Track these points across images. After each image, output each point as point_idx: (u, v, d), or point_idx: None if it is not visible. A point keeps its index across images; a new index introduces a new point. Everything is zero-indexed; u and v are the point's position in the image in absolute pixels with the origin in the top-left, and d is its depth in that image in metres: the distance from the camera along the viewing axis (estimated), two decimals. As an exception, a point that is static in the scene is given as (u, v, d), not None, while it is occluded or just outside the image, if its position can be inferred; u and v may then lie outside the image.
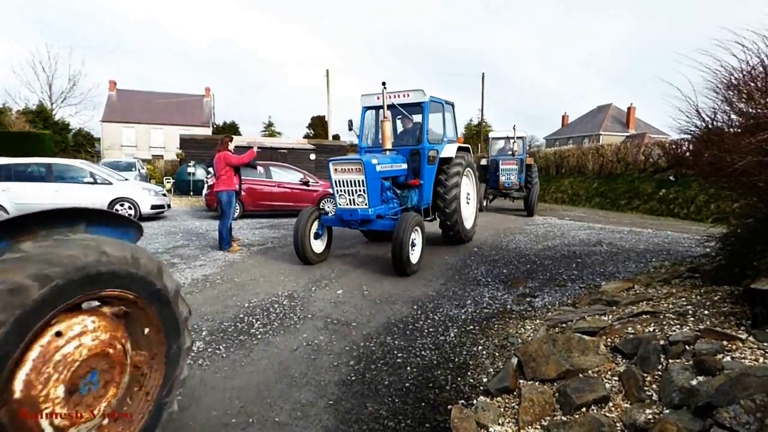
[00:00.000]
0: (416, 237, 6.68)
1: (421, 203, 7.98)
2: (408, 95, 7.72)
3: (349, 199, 6.83)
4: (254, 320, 4.79)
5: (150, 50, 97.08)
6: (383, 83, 7.12)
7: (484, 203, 16.58)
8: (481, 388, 3.35)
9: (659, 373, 2.68)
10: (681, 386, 2.37)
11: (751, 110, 3.93)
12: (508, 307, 5.30)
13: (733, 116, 4.37)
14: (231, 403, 3.17)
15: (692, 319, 3.27)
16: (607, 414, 2.53)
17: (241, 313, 5.01)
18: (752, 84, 3.85)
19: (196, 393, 3.29)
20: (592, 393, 2.69)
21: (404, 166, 7.79)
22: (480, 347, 4.14)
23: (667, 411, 2.31)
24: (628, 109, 53.30)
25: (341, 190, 6.86)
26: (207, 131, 47.14)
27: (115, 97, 50.00)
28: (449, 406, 3.07)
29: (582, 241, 9.62)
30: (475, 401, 3.06)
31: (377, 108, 7.81)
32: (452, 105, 8.91)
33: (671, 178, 17.15)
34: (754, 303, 2.99)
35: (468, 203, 9.13)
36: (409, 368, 3.74)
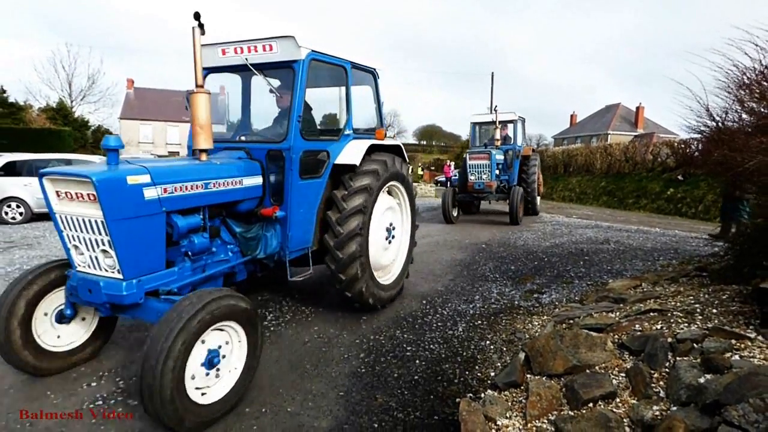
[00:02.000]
0: (231, 351, 3.10)
1: (288, 249, 4.19)
2: (269, 47, 4.12)
3: (90, 258, 3.20)
4: (267, 313, 4.86)
5: (165, 49, 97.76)
6: (196, 16, 3.59)
7: (455, 214, 12.77)
8: (489, 382, 3.40)
9: (667, 370, 2.71)
10: (689, 384, 2.40)
11: (762, 110, 3.93)
12: (516, 302, 5.34)
13: (744, 116, 4.37)
14: (245, 393, 3.23)
15: (700, 317, 3.29)
16: (614, 410, 2.56)
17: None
18: (765, 83, 3.85)
19: (210, 382, 3.36)
20: (600, 389, 2.72)
21: (255, 180, 4.08)
22: (488, 342, 4.19)
23: (675, 408, 2.34)
24: (637, 108, 52.83)
25: (73, 238, 3.23)
26: (222, 128, 47.66)
27: (132, 94, 50.85)
28: (457, 399, 3.12)
29: (589, 239, 9.62)
30: (483, 395, 3.10)
31: (227, 70, 4.56)
32: (372, 73, 5.22)
33: (679, 177, 17.06)
34: (763, 302, 3.01)
35: (390, 243, 5.22)
36: (417, 361, 3.80)
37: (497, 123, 12.65)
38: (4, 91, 30.66)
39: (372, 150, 4.80)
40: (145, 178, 3.19)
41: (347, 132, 4.72)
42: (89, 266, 3.23)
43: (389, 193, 5.27)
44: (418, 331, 4.44)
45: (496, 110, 12.75)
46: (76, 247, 3.24)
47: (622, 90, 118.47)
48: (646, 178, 19.30)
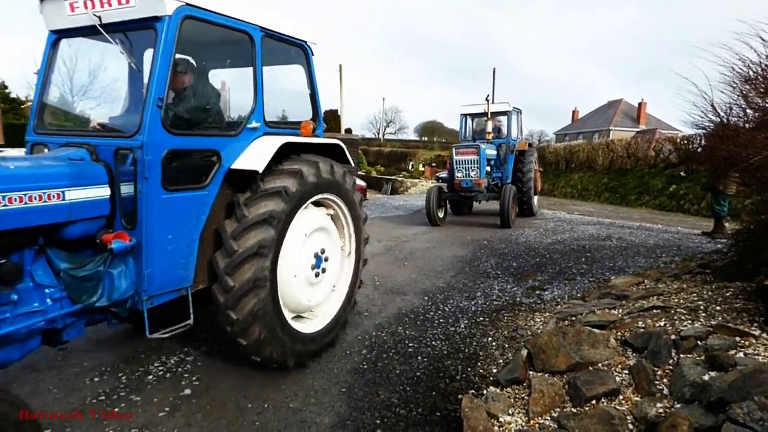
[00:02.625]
0: None
1: (145, 293, 2.83)
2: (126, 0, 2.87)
3: None
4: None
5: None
6: None
7: (441, 215, 11.31)
8: (491, 378, 3.40)
9: (670, 367, 2.71)
10: (693, 381, 2.39)
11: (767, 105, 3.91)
12: (518, 299, 5.33)
13: (749, 111, 4.34)
14: (247, 389, 3.24)
15: (704, 314, 3.28)
16: (618, 407, 2.56)
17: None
18: (770, 79, 3.83)
19: (214, 377, 3.37)
20: (603, 386, 2.72)
21: (94, 192, 2.77)
22: (490, 339, 4.19)
23: (679, 405, 2.34)
24: (639, 104, 52.62)
25: None
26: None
27: (132, 90, 50.87)
28: (460, 396, 3.11)
29: (591, 236, 9.59)
30: (485, 391, 3.10)
31: (81, 33, 3.29)
32: (303, 47, 4.01)
33: (682, 173, 16.98)
34: (767, 300, 3.00)
35: (319, 276, 3.80)
36: (420, 358, 3.80)
37: (489, 114, 11.41)
38: (6, 87, 30.68)
39: (299, 150, 3.61)
40: None
41: (253, 125, 3.43)
42: None
43: (330, 213, 4.01)
44: (420, 328, 4.44)
45: (488, 100, 11.45)
46: None
47: (624, 86, 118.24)
48: (648, 174, 19.24)
